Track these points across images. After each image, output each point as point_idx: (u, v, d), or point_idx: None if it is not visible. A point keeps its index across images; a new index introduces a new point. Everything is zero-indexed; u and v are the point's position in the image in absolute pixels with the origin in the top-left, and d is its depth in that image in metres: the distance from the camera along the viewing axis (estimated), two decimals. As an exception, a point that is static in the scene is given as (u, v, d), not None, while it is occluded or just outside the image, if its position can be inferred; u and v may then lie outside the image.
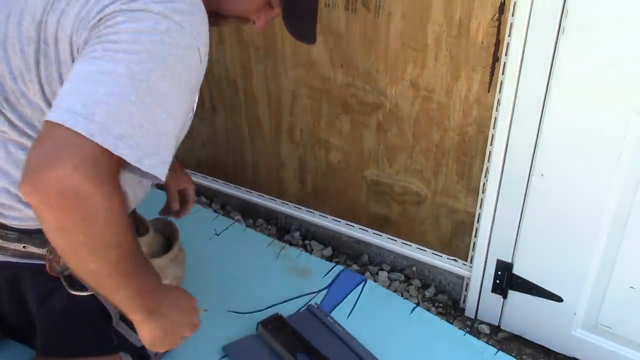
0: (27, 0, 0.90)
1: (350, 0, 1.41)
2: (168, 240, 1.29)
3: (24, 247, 1.01)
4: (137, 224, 1.22)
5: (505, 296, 1.51)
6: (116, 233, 0.82)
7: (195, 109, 1.08)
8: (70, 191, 0.75)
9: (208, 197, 2.04)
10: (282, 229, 1.92)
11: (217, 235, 1.78)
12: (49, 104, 0.90)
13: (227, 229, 1.80)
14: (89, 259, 0.83)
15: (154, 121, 0.81)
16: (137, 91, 0.78)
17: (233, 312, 1.48)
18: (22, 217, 0.99)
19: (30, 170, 0.75)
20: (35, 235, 1.00)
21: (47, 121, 0.77)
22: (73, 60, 0.86)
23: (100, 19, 0.83)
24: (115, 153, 0.77)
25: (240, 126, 1.81)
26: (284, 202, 1.85)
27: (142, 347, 1.21)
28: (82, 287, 1.01)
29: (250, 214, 1.97)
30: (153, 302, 0.93)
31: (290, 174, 1.79)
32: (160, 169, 0.83)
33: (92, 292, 1.02)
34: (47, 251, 1.02)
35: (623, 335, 1.36)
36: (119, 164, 0.79)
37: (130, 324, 1.11)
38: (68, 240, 0.81)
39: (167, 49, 0.81)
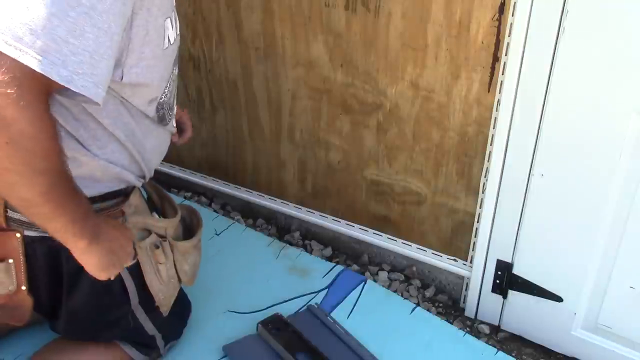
0: None
1: (350, 0, 1.41)
2: (187, 226, 1.30)
3: None
4: (165, 205, 1.23)
5: (505, 296, 1.51)
6: (44, 159, 0.79)
7: (176, 39, 1.04)
8: None
9: (208, 197, 2.04)
10: (282, 229, 1.92)
11: (217, 235, 1.78)
12: None
13: (227, 229, 1.80)
14: (19, 187, 0.80)
15: (84, 40, 0.76)
16: (58, 3, 0.73)
17: (233, 312, 1.48)
18: None
19: None
20: None
21: None
22: None
23: None
24: (38, 70, 0.72)
25: (240, 126, 1.81)
26: (284, 202, 1.85)
27: (152, 337, 1.25)
28: None
29: (250, 214, 1.97)
30: (91, 228, 0.92)
31: (290, 174, 1.79)
32: (93, 90, 0.78)
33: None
34: None
35: (623, 335, 1.36)
36: (48, 86, 0.76)
37: (147, 310, 1.18)
38: None
39: None
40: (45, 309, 1.15)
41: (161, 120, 1.12)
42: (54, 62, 0.73)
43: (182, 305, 1.35)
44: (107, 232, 0.97)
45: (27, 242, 1.04)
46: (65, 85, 0.76)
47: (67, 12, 0.74)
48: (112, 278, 1.01)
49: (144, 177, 1.13)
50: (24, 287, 1.07)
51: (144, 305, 1.19)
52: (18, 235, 1.03)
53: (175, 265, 1.20)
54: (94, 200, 1.03)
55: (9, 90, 0.71)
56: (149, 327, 1.23)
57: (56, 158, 0.82)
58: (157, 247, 1.14)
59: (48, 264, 1.08)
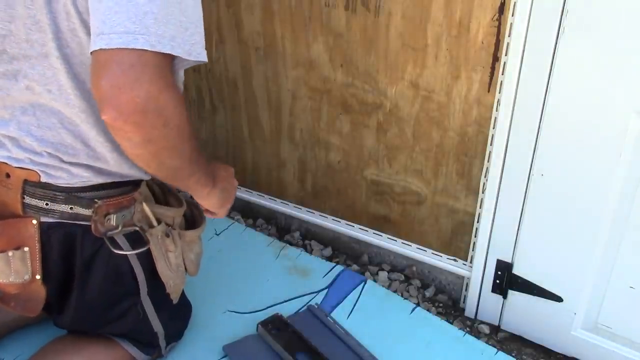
0: None
1: (350, 0, 1.41)
2: (187, 219, 1.32)
3: (70, 208, 1.04)
4: (169, 198, 1.26)
5: (505, 296, 1.51)
6: (188, 128, 0.89)
7: None
8: (151, 105, 0.81)
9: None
10: (282, 229, 1.92)
11: (217, 235, 1.78)
12: (66, 43, 0.92)
13: (227, 228, 1.80)
14: (171, 159, 0.91)
15: (188, 14, 0.85)
16: None
17: (233, 312, 1.48)
18: (68, 175, 1.02)
19: (108, 99, 0.80)
20: (82, 195, 1.04)
21: (102, 50, 0.80)
22: None
23: None
24: (174, 54, 0.82)
25: (240, 126, 1.81)
26: (284, 202, 1.85)
27: (155, 335, 1.26)
28: (122, 248, 1.09)
29: (250, 214, 1.97)
30: (211, 174, 1.07)
31: (290, 174, 1.79)
32: (204, 54, 0.89)
33: (133, 252, 1.10)
34: (93, 212, 1.04)
35: (623, 335, 1.36)
36: (171, 62, 0.85)
37: (155, 302, 1.20)
38: (152, 149, 0.87)
39: None
40: (51, 302, 1.15)
41: None
42: (181, 44, 0.83)
43: (184, 306, 1.36)
44: (219, 174, 1.12)
45: (43, 229, 1.05)
46: (189, 59, 0.86)
47: None
48: (227, 214, 1.18)
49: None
50: (38, 277, 1.07)
51: (152, 296, 1.20)
52: (34, 222, 1.04)
53: (182, 254, 1.22)
54: (105, 186, 1.06)
55: (157, 80, 0.81)
56: (155, 323, 1.24)
57: (190, 121, 0.91)
58: (168, 236, 1.17)
59: (62, 252, 1.08)
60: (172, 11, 0.82)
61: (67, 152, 1.00)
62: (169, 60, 0.83)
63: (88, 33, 0.88)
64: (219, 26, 1.67)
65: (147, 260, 1.15)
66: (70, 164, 1.01)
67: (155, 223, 1.14)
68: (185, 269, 1.24)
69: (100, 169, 1.04)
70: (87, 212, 1.05)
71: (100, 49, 0.80)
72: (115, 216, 1.06)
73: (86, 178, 1.03)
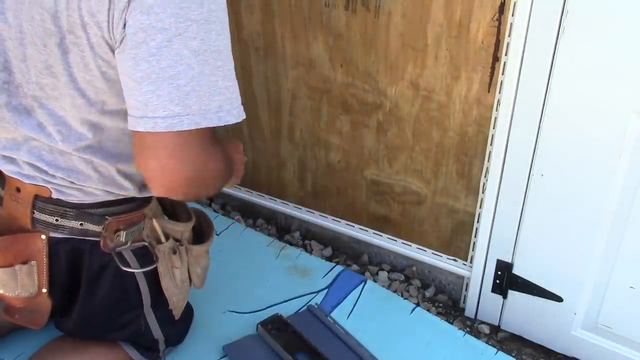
0: None
1: (350, 0, 1.41)
2: (195, 229, 1.31)
3: (81, 224, 1.03)
4: (178, 210, 1.24)
5: (505, 296, 1.51)
6: (226, 173, 0.95)
7: None
8: (198, 178, 0.86)
9: (208, 197, 2.04)
10: (282, 229, 1.92)
11: (217, 235, 1.77)
12: (81, 93, 0.89)
13: (227, 228, 1.80)
14: (207, 193, 0.99)
15: (228, 76, 0.85)
16: (207, 63, 0.80)
17: (233, 312, 1.48)
18: (80, 194, 1.01)
19: (158, 179, 0.85)
20: (93, 211, 1.03)
21: (148, 132, 0.80)
22: (107, 43, 0.82)
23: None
24: (220, 124, 0.83)
25: (240, 126, 1.81)
26: (284, 202, 1.85)
27: (156, 341, 1.25)
28: (130, 265, 1.09)
29: (250, 214, 1.97)
30: (230, 168, 1.00)
31: (290, 174, 1.79)
32: (243, 112, 0.88)
33: (140, 270, 1.09)
34: (103, 229, 1.04)
35: (623, 335, 1.36)
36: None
37: (158, 315, 1.20)
38: (192, 198, 0.93)
39: (205, 7, 0.80)
40: (55, 308, 1.15)
41: None
42: (229, 110, 0.84)
43: (187, 312, 1.36)
44: (233, 159, 1.06)
45: (52, 243, 1.04)
46: (232, 122, 0.85)
47: (215, 65, 0.82)
48: (237, 182, 1.17)
49: None
50: (44, 290, 1.07)
51: (155, 309, 1.20)
52: (43, 237, 1.03)
53: (188, 268, 1.21)
54: (116, 202, 1.05)
55: (202, 153, 0.85)
56: (156, 331, 1.23)
57: (227, 167, 0.96)
58: (175, 252, 1.15)
59: (69, 265, 1.08)
60: (214, 81, 0.81)
61: (79, 178, 0.99)
62: (213, 127, 0.84)
63: (108, 81, 0.87)
64: (219, 26, 1.67)
65: (153, 276, 1.14)
66: (84, 186, 1.01)
67: (163, 239, 1.12)
68: (191, 281, 1.23)
69: (114, 192, 1.03)
70: (97, 228, 1.04)
71: (146, 132, 0.80)
72: (125, 232, 1.05)
73: (100, 197, 1.02)
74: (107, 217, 1.03)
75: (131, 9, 0.77)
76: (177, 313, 1.23)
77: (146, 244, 1.09)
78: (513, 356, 1.43)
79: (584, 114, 1.20)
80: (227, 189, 1.95)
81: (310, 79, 1.58)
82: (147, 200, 1.10)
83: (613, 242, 1.28)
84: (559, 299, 1.41)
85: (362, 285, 1.59)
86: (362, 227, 1.72)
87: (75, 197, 1.01)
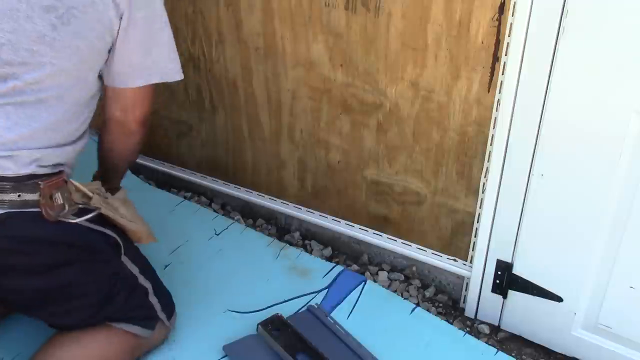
0: None
1: (350, 0, 1.41)
2: None
3: (19, 195, 1.08)
4: None
5: (505, 296, 1.51)
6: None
7: None
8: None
9: (208, 197, 2.04)
10: (282, 229, 1.92)
11: (217, 235, 1.78)
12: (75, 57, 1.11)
13: (227, 229, 1.80)
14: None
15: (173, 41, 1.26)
16: (169, 29, 1.23)
17: (233, 312, 1.48)
18: (16, 164, 1.08)
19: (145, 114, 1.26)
20: (28, 182, 1.10)
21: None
22: (118, 16, 1.13)
23: None
24: (179, 78, 1.28)
25: (240, 126, 1.81)
26: (284, 202, 1.85)
27: (151, 307, 1.30)
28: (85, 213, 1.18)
29: (250, 214, 1.97)
30: None
31: (290, 174, 1.79)
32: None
33: (88, 216, 1.17)
34: (40, 195, 1.10)
35: (623, 335, 1.36)
36: None
37: (133, 259, 1.28)
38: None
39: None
40: (33, 309, 1.20)
41: None
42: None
43: (156, 274, 1.40)
44: None
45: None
46: (177, 79, 1.27)
47: (170, 33, 1.23)
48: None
49: None
50: None
51: (130, 255, 1.27)
52: None
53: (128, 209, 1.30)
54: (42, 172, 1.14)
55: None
56: (142, 280, 1.28)
57: None
58: (106, 198, 1.24)
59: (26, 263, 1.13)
60: (173, 46, 1.26)
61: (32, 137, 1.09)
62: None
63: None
64: (219, 26, 1.67)
65: (106, 223, 1.22)
66: (20, 148, 1.08)
67: (91, 194, 1.20)
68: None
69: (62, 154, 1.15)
70: (34, 196, 1.10)
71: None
72: (59, 194, 1.12)
73: (31, 170, 1.10)
74: (39, 182, 1.10)
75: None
76: (141, 237, 1.31)
77: (81, 205, 1.18)
78: (513, 356, 1.43)
79: (584, 113, 1.20)
80: (227, 189, 1.95)
81: (310, 79, 1.58)
82: (60, 171, 1.18)
83: (613, 242, 1.28)
84: (558, 299, 1.41)
85: (362, 285, 1.59)
86: (362, 227, 1.72)
87: (11, 170, 1.08)
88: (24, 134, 1.08)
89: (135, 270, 1.27)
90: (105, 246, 1.22)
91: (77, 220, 1.15)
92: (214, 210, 1.95)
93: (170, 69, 1.24)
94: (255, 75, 1.68)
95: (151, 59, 1.20)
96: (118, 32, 1.15)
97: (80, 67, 1.13)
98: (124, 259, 1.25)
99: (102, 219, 1.21)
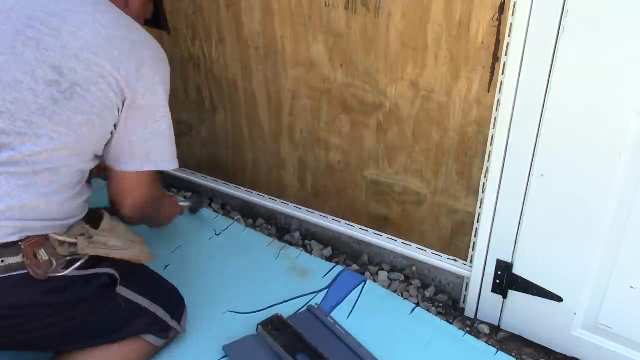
0: (38, 48, 1.07)
1: (350, 0, 1.41)
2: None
3: (2, 261, 1.04)
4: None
5: (505, 296, 1.51)
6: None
7: None
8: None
9: (208, 197, 2.04)
10: (282, 229, 1.92)
11: (217, 235, 1.78)
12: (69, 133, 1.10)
13: (227, 229, 1.80)
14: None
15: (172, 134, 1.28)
16: (170, 124, 1.26)
17: (233, 312, 1.48)
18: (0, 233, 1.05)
19: (138, 202, 1.27)
20: (8, 248, 1.05)
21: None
22: (121, 100, 1.14)
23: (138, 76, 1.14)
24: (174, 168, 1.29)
25: (240, 126, 1.81)
26: (284, 202, 1.85)
27: (160, 321, 1.29)
28: (73, 262, 1.14)
29: (250, 214, 1.97)
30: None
31: (290, 174, 1.79)
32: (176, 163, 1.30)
33: (78, 265, 1.13)
34: (23, 257, 1.06)
35: (623, 335, 1.36)
36: None
37: (130, 284, 1.24)
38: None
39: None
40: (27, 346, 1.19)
41: None
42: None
43: (159, 281, 1.39)
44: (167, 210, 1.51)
45: None
46: (172, 168, 1.29)
47: (170, 123, 1.26)
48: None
49: None
50: None
51: (125, 282, 1.23)
52: None
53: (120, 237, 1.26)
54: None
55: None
56: (142, 300, 1.26)
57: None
58: (91, 237, 1.18)
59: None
60: (172, 139, 1.29)
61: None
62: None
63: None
64: (219, 26, 1.67)
65: (99, 261, 1.18)
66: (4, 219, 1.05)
67: (74, 240, 1.15)
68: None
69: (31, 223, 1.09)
70: (17, 259, 1.05)
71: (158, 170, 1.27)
72: (42, 251, 1.08)
73: (16, 238, 1.06)
74: (19, 243, 1.06)
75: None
76: (139, 259, 1.26)
77: (69, 257, 1.12)
78: (513, 356, 1.43)
79: (584, 113, 1.20)
80: (227, 189, 1.95)
81: (310, 79, 1.58)
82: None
83: (613, 242, 1.28)
84: (559, 299, 1.41)
85: (362, 285, 1.59)
86: (362, 227, 1.72)
87: None
88: (13, 205, 1.05)
89: (135, 297, 1.24)
90: (99, 290, 1.18)
91: (66, 272, 1.11)
92: (214, 210, 1.95)
93: (165, 159, 1.24)
94: (255, 75, 1.68)
95: (147, 147, 1.21)
96: (119, 116, 1.15)
97: (78, 143, 1.11)
98: (120, 289, 1.22)
99: (94, 259, 1.17)
